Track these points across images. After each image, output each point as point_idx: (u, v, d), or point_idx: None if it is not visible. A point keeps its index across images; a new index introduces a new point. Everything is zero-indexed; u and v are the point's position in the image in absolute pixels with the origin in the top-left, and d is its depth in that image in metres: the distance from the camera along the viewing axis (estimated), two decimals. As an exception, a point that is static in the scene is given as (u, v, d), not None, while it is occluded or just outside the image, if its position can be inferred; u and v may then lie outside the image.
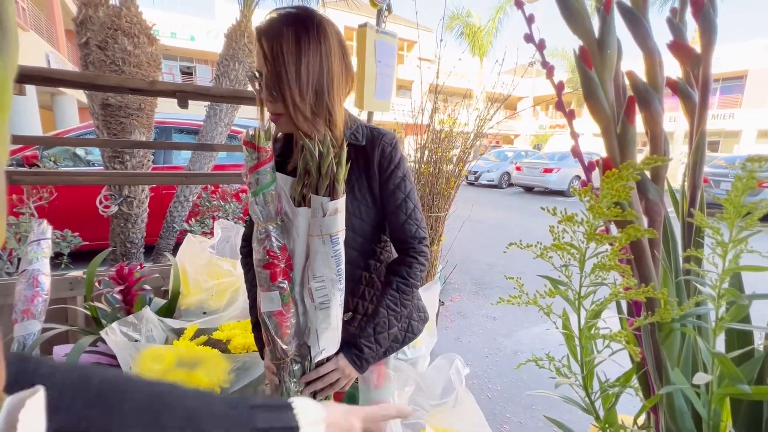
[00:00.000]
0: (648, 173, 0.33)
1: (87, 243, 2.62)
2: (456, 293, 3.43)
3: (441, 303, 3.07)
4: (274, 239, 0.69)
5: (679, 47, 0.43)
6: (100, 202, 2.53)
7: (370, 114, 1.57)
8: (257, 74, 0.70)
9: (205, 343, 1.15)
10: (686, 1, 0.44)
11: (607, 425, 0.35)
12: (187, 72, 19.62)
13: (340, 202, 0.68)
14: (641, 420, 0.40)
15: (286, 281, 0.69)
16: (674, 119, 12.90)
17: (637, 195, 0.29)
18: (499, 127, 2.44)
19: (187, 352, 1.09)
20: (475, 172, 12.07)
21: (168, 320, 1.22)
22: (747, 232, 0.25)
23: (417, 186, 2.24)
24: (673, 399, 0.31)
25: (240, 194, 3.51)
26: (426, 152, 2.25)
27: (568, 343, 0.33)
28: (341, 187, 0.68)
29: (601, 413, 0.36)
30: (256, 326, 0.89)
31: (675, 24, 0.46)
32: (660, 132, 0.32)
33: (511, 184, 12.11)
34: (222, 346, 1.15)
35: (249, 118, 5.67)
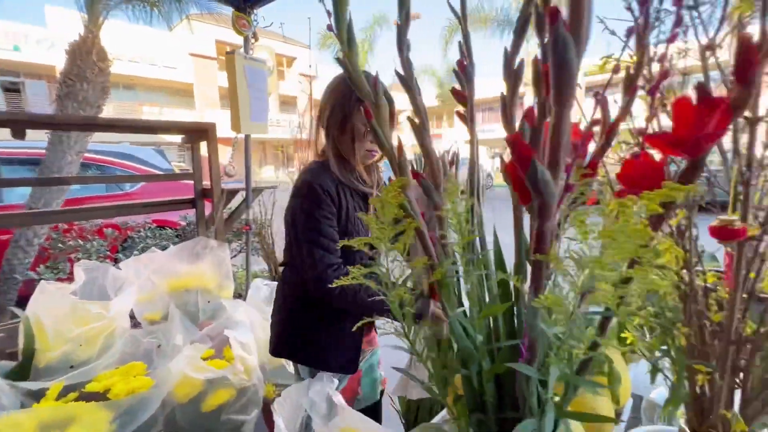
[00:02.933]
0: (431, 183, 0.48)
1: None
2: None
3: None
4: None
5: (455, 92, 0.62)
6: None
7: (247, 137, 1.60)
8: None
9: (77, 399, 1.04)
10: (463, 56, 0.63)
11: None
12: (12, 89, 15.97)
13: None
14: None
15: None
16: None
17: (414, 200, 0.44)
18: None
19: (51, 412, 0.96)
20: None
21: (22, 384, 1.06)
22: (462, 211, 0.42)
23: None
24: (455, 330, 0.47)
25: (104, 230, 3.08)
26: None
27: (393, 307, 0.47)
28: None
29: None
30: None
31: (459, 75, 0.65)
32: (430, 153, 0.48)
33: (400, 191, 12.94)
34: (100, 398, 1.05)
35: (106, 142, 4.97)
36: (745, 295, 0.52)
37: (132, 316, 1.49)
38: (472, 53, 0.60)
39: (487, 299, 0.48)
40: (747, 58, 0.32)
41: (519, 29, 0.45)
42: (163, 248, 2.11)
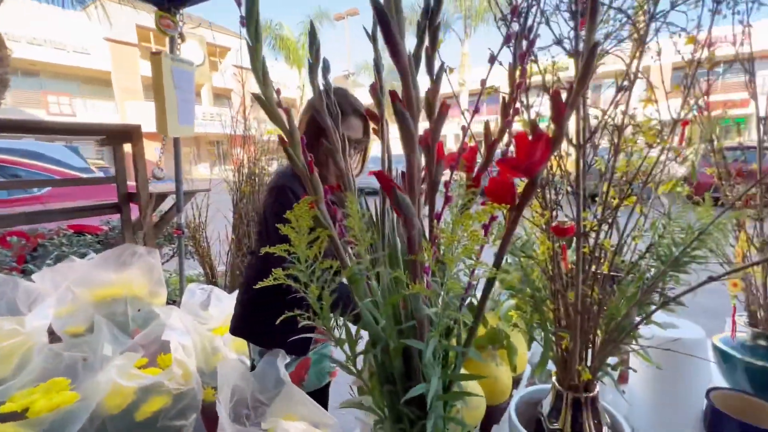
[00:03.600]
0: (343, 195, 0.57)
1: None
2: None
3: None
4: None
5: (369, 113, 0.71)
6: None
7: (176, 140, 1.56)
8: None
9: (-11, 422, 0.98)
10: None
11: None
12: None
13: None
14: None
15: None
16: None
17: (326, 212, 0.52)
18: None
19: (-39, 439, 0.91)
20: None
21: None
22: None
23: (240, 205, 2.27)
24: (364, 317, 0.56)
25: (7, 238, 2.76)
26: (246, 170, 2.29)
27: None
28: None
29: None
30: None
31: (372, 97, 0.73)
32: (343, 173, 0.57)
33: (343, 188, 12.95)
34: (17, 418, 1.00)
35: (6, 137, 4.38)
36: (591, 275, 0.68)
37: (50, 332, 1.40)
38: (382, 78, 0.69)
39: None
40: (558, 108, 0.44)
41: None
42: (82, 256, 1.98)
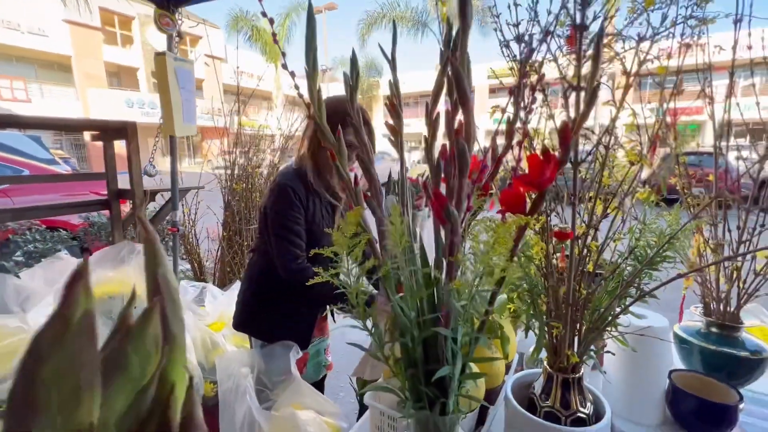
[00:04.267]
0: (375, 203, 0.64)
1: None
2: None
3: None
4: None
5: (389, 126, 0.78)
6: None
7: (173, 139, 1.56)
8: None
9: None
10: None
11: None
12: None
13: None
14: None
15: None
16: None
17: (367, 219, 0.59)
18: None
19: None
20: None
21: None
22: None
23: (233, 201, 2.26)
24: (395, 310, 0.64)
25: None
26: (237, 169, 2.28)
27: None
28: None
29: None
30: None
31: (390, 112, 0.80)
32: (374, 180, 0.64)
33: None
34: (24, 414, 1.01)
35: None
36: (579, 273, 0.79)
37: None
38: (400, 94, 0.77)
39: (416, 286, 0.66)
40: (565, 134, 0.53)
41: (434, 97, 0.62)
42: (57, 252, 1.95)
